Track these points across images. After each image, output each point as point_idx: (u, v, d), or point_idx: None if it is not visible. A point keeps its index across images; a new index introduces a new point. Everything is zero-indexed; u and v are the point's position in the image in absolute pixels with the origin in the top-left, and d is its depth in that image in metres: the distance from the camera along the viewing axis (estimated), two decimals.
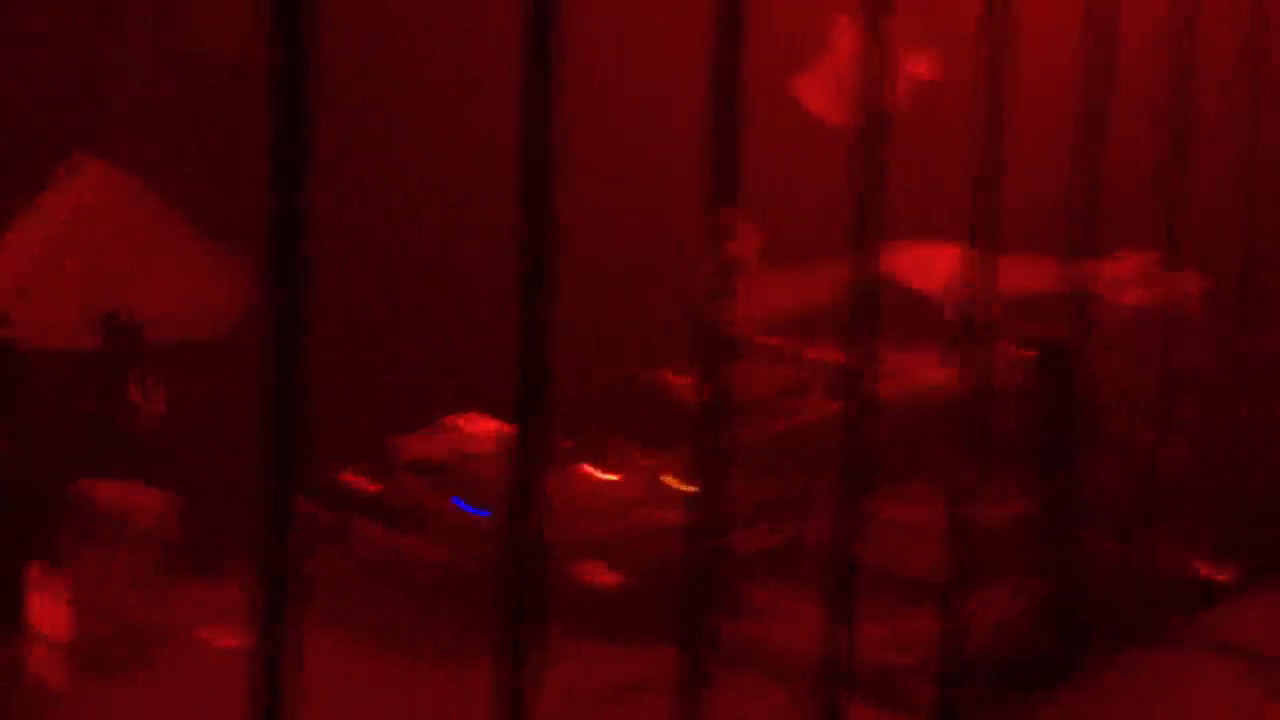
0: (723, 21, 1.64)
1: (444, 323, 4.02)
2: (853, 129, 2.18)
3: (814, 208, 2.80)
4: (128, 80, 4.00)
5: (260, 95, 1.15)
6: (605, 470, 3.46)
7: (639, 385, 3.55)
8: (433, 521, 3.51)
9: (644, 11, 4.12)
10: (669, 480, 3.33)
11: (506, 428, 1.40)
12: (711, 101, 1.65)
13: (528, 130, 1.31)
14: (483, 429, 3.52)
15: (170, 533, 3.43)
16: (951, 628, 2.40)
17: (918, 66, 3.21)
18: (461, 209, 3.84)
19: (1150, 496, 3.16)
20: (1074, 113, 2.58)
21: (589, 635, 3.23)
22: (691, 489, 1.64)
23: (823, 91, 3.39)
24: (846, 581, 2.01)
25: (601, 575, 3.31)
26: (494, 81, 1.53)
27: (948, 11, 2.93)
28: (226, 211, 3.38)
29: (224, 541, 2.85)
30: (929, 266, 3.19)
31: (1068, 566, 3.23)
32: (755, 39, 1.73)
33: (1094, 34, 2.55)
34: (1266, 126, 3.23)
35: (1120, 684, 3.18)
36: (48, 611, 3.23)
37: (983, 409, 2.25)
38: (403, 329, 4.06)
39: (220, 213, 3.53)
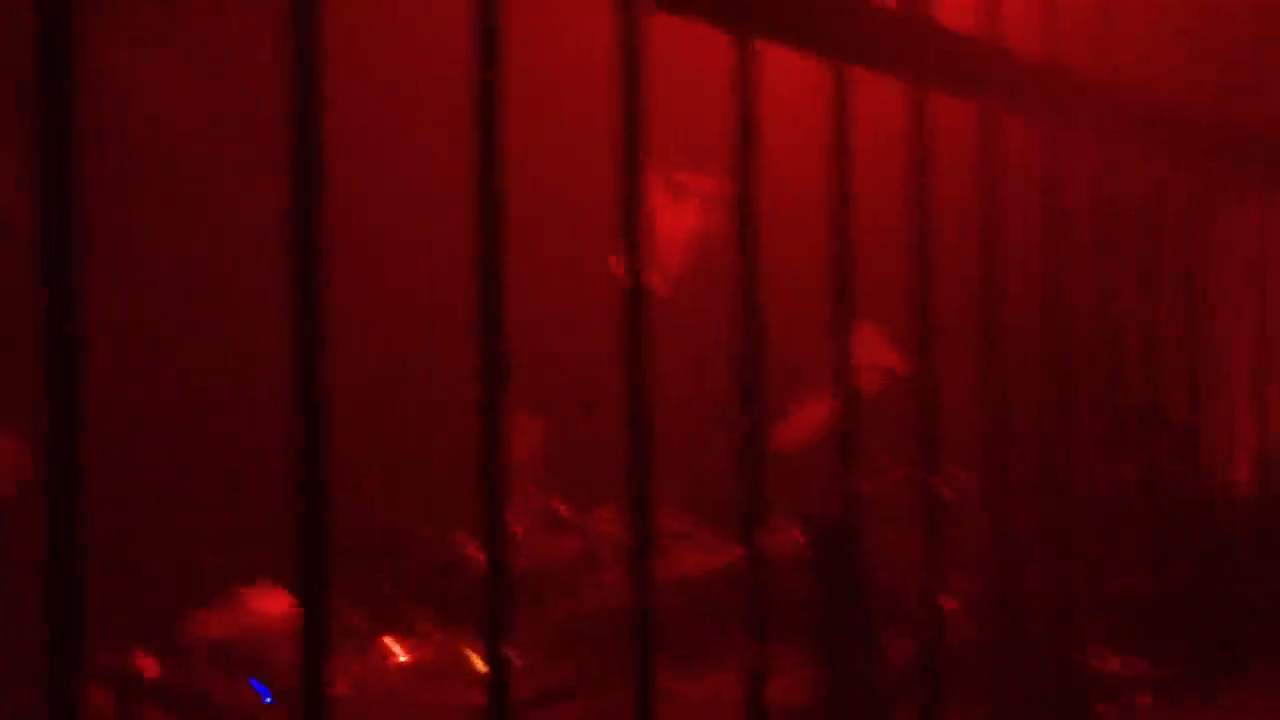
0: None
1: (238, 487, 3.95)
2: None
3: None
4: None
5: (29, 259, 1.15)
6: (402, 644, 3.41)
7: (432, 552, 3.51)
8: (220, 706, 3.41)
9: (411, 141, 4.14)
10: (468, 655, 3.30)
11: (293, 600, 1.38)
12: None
13: (300, 288, 1.33)
14: (272, 603, 3.45)
15: None
16: None
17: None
18: (243, 369, 3.81)
19: (936, 670, 3.26)
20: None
21: None
22: (485, 667, 1.63)
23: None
24: None
25: None
26: (269, 252, 1.55)
27: None
28: None
29: None
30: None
31: None
32: None
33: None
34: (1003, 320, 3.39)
35: None
36: None
37: (762, 585, 2.32)
38: (193, 494, 3.96)
39: None
